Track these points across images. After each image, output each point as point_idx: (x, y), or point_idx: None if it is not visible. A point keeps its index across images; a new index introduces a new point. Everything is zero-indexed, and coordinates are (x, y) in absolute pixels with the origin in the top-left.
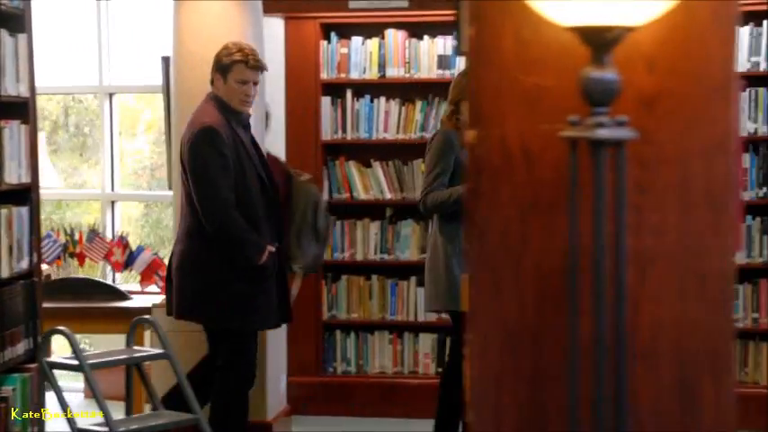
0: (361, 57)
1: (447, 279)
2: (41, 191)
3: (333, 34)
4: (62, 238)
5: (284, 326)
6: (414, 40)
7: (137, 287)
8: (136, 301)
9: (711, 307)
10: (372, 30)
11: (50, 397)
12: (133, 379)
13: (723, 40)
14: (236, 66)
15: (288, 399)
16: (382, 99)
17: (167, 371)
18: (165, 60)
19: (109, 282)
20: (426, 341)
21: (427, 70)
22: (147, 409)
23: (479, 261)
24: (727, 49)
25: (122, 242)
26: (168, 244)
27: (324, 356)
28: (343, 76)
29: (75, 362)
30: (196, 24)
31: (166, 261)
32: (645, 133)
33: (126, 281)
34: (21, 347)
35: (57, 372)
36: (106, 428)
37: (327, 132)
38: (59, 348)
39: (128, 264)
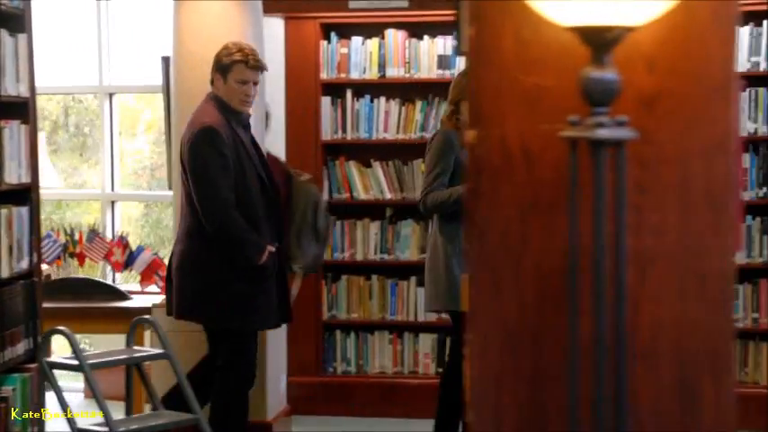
0: (361, 57)
1: (447, 279)
2: (41, 191)
3: (333, 34)
4: (62, 239)
5: (284, 326)
6: (414, 40)
7: (137, 287)
8: (136, 301)
9: (711, 307)
10: (372, 30)
11: (51, 397)
12: (133, 379)
13: (723, 40)
14: (236, 66)
15: (288, 399)
16: (382, 99)
17: (167, 371)
18: (165, 60)
19: (109, 282)
20: (426, 341)
21: (427, 70)
22: (148, 409)
23: (479, 261)
24: (727, 49)
25: (122, 242)
26: (168, 244)
27: (324, 356)
28: (343, 75)
29: (75, 362)
30: (196, 24)
31: (166, 261)
32: (645, 133)
33: (126, 281)
34: (21, 347)
35: (57, 372)
36: (106, 428)
37: (327, 132)
38: (60, 348)
39: (128, 264)
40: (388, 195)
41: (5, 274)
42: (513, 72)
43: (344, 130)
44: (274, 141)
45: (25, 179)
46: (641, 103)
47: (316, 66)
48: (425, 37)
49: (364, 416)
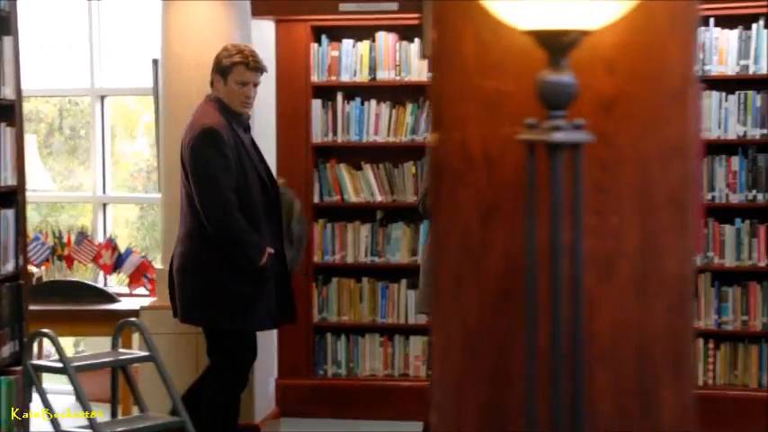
0: (351, 59)
1: None
2: (34, 193)
3: (323, 37)
4: (50, 241)
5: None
6: (404, 43)
7: (127, 290)
8: (124, 304)
9: (671, 309)
10: (363, 32)
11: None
12: (119, 381)
13: (682, 45)
14: (236, 67)
15: (279, 401)
16: (373, 102)
17: (156, 373)
18: (156, 63)
19: (98, 284)
20: (417, 344)
21: (418, 73)
22: (137, 411)
23: (441, 263)
24: (687, 53)
25: (111, 245)
26: (160, 246)
27: (314, 359)
28: (333, 78)
29: (60, 364)
30: (183, 26)
31: (155, 264)
32: (604, 136)
33: (119, 283)
34: (6, 350)
35: (49, 375)
36: (90, 431)
37: (318, 135)
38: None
39: (116, 266)
40: (379, 198)
41: None
42: (473, 75)
43: (335, 133)
44: (265, 144)
45: (11, 182)
46: (600, 107)
47: (306, 68)
48: (416, 40)
49: (355, 418)
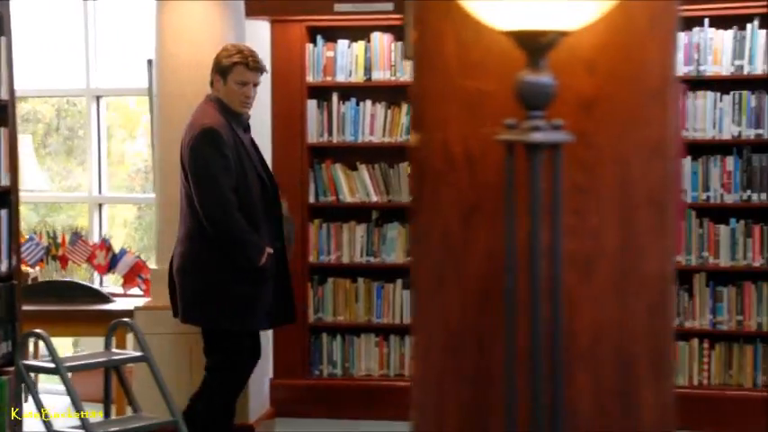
0: (347, 60)
1: None
2: (31, 194)
3: (319, 37)
4: (45, 241)
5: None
6: (399, 44)
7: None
8: (118, 304)
9: (651, 308)
10: (358, 33)
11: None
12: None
13: (662, 45)
14: (236, 67)
15: (274, 401)
16: (368, 102)
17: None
18: (151, 63)
19: (93, 284)
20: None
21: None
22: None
23: (422, 263)
24: (666, 53)
25: (105, 245)
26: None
27: (310, 359)
28: (329, 79)
29: (52, 365)
30: (177, 27)
31: (150, 264)
32: (584, 136)
33: (115, 283)
34: None
35: (45, 375)
36: (83, 431)
37: (313, 135)
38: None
39: (111, 266)
40: (374, 198)
41: None
42: (455, 76)
43: (330, 133)
44: (260, 144)
45: (4, 182)
46: (580, 107)
47: (302, 69)
48: None
49: (350, 418)
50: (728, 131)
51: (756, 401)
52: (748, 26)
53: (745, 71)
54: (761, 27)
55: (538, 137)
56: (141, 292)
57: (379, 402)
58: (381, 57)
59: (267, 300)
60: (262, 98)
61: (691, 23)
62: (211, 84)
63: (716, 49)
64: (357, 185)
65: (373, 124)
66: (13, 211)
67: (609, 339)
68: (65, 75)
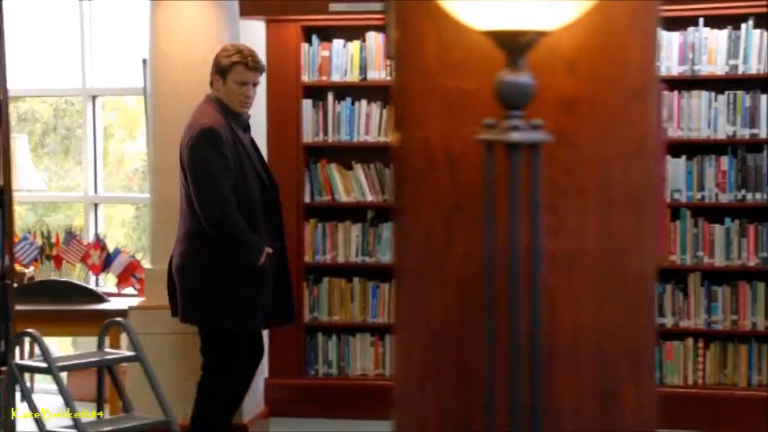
0: (342, 59)
1: None
2: (29, 194)
3: (314, 37)
4: (39, 241)
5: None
6: None
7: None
8: (112, 304)
9: (632, 309)
10: (353, 32)
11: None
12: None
13: (642, 46)
14: (235, 67)
15: (269, 401)
16: (363, 102)
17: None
18: (145, 63)
19: (88, 284)
20: None
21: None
22: None
23: (403, 262)
24: (647, 53)
25: (99, 244)
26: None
27: (305, 359)
28: (324, 78)
29: (45, 364)
30: (171, 26)
31: (144, 263)
32: (564, 136)
33: (110, 283)
34: None
35: (39, 375)
36: (75, 431)
37: (309, 135)
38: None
39: (105, 266)
40: (370, 198)
41: None
42: (435, 75)
43: (326, 133)
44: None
45: None
46: (561, 107)
47: (297, 68)
48: None
49: (345, 418)
50: (723, 131)
51: (751, 401)
52: (743, 26)
53: (740, 71)
54: (755, 27)
55: (516, 136)
56: (135, 292)
57: (374, 402)
58: (377, 56)
59: (267, 300)
60: (257, 98)
61: (685, 23)
62: (211, 84)
63: (711, 49)
64: (352, 185)
65: (368, 124)
66: (7, 210)
67: (590, 339)
68: (62, 74)
